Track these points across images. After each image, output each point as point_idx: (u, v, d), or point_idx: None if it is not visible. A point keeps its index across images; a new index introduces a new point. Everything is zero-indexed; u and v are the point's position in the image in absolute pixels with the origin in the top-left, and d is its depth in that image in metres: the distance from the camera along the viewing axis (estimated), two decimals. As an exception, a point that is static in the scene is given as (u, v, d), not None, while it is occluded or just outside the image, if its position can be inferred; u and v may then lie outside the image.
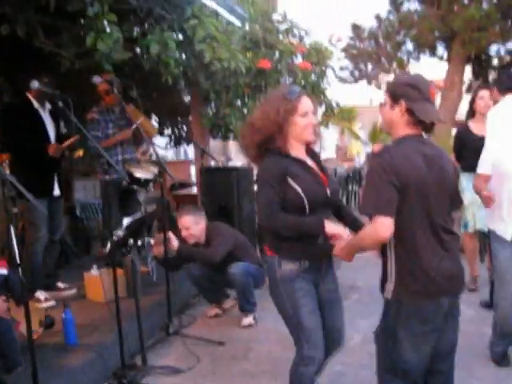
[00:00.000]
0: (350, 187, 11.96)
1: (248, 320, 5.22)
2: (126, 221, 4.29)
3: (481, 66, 12.76)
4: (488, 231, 4.16)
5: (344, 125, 14.11)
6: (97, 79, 5.10)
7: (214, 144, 9.70)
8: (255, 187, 3.08)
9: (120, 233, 3.99)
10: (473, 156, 4.26)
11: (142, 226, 4.36)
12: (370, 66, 14.18)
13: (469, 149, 5.49)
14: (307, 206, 2.86)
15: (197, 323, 5.27)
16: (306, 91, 3.18)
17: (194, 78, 5.71)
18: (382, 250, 2.67)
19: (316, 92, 6.44)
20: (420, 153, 2.56)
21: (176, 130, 9.53)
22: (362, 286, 6.41)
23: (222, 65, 5.24)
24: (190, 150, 13.14)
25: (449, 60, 12.49)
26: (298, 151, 3.00)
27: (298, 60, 6.23)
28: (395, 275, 2.60)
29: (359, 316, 5.30)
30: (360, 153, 15.30)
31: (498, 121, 4.02)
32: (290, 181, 2.84)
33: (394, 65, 13.24)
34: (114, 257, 3.98)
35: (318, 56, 6.31)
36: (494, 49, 12.56)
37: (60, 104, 4.28)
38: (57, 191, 5.33)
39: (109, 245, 4.14)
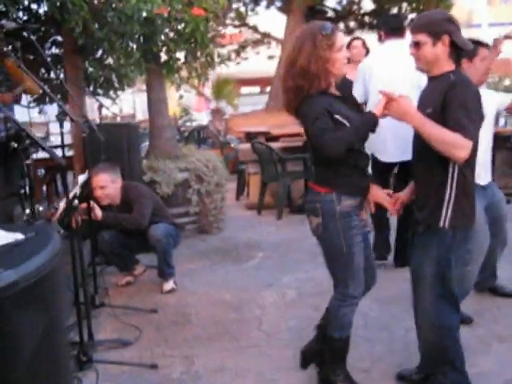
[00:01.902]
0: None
1: (170, 285, 5.16)
2: (81, 178, 4.04)
3: (315, 17, 13.45)
4: None
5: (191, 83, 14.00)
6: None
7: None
8: (303, 127, 3.08)
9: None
10: None
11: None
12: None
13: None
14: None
15: (112, 294, 5.12)
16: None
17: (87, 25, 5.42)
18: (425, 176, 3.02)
19: (206, 41, 6.42)
20: None
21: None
22: (259, 243, 6.63)
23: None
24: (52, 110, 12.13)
25: (289, 12, 12.98)
26: (333, 88, 3.14)
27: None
28: (453, 201, 2.94)
29: (278, 272, 5.56)
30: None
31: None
32: (337, 116, 2.97)
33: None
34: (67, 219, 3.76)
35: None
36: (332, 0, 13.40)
37: None
38: None
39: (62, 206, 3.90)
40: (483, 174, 4.07)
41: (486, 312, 4.37)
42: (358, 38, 7.04)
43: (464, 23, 22.27)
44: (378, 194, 3.21)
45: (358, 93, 5.71)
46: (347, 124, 2.96)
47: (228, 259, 6.13)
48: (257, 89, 25.06)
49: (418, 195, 3.14)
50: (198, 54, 6.77)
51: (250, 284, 5.31)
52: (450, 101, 2.83)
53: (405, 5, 12.78)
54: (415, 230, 3.19)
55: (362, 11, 13.70)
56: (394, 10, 12.86)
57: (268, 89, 16.63)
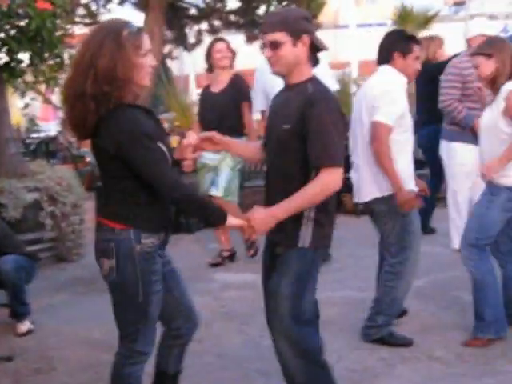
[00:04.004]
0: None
1: (26, 326, 4.68)
2: None
3: (176, 15, 13.14)
4: None
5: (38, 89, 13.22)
6: None
7: None
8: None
9: None
10: None
11: None
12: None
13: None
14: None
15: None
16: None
17: None
18: None
19: (54, 40, 6.02)
20: None
21: None
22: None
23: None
24: None
25: (146, 9, 12.61)
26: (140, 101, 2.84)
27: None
28: (313, 220, 2.90)
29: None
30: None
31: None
32: (160, 144, 2.71)
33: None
34: None
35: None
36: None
37: None
38: None
39: None
40: None
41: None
42: (220, 40, 6.43)
43: (331, 24, 23.00)
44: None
45: (257, 101, 5.57)
46: (167, 153, 2.74)
47: (93, 290, 5.68)
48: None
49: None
50: (46, 55, 6.35)
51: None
52: (309, 123, 2.78)
53: (274, 3, 12.87)
54: (272, 252, 3.08)
55: (227, 9, 13.64)
56: (262, 8, 12.91)
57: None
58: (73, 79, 2.68)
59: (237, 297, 5.28)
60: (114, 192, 2.76)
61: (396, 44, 4.10)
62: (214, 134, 3.09)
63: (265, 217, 2.80)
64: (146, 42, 2.71)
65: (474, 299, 4.14)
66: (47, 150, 11.88)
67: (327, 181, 2.77)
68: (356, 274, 5.64)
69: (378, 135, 3.89)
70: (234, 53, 6.30)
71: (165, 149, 2.73)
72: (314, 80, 2.91)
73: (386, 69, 4.11)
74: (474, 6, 24.22)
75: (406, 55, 4.06)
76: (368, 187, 4.07)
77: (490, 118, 3.98)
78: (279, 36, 2.83)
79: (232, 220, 2.80)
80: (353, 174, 4.21)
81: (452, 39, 6.37)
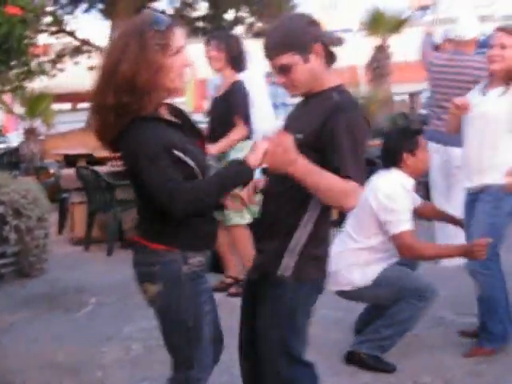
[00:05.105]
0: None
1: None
2: None
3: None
4: None
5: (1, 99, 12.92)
6: None
7: None
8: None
9: None
10: None
11: None
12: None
13: None
14: None
15: None
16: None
17: None
18: None
19: (22, 48, 5.80)
20: None
21: None
22: (90, 286, 6.04)
23: None
24: None
25: (113, 16, 12.45)
26: (164, 110, 2.56)
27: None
28: (303, 246, 2.62)
29: (118, 321, 5.04)
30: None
31: None
32: (178, 153, 2.42)
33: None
34: None
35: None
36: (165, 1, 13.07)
37: None
38: None
39: None
40: None
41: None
42: (210, 41, 5.67)
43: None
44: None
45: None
46: (192, 164, 2.46)
47: (56, 308, 5.48)
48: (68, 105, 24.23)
49: (264, 227, 2.74)
50: (13, 63, 6.12)
51: (85, 338, 4.73)
52: (333, 132, 2.46)
53: (244, 8, 12.83)
54: (250, 276, 2.85)
55: (194, 15, 13.55)
56: (231, 14, 12.84)
57: (84, 105, 15.92)
58: (95, 89, 2.48)
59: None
60: (149, 210, 2.54)
61: (402, 144, 3.99)
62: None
63: (285, 150, 2.39)
64: (178, 38, 2.43)
65: (480, 312, 4.03)
66: (10, 161, 11.57)
67: (350, 190, 2.42)
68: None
69: (406, 244, 3.78)
70: (228, 53, 5.45)
71: (187, 159, 2.45)
72: (340, 88, 2.62)
73: (394, 175, 3.98)
74: (441, 9, 24.58)
75: (415, 151, 3.95)
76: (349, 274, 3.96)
77: (494, 106, 3.89)
78: (287, 58, 2.54)
79: (252, 156, 2.45)
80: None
81: (417, 43, 6.32)
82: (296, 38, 2.53)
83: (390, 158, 4.00)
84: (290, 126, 2.70)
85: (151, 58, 2.36)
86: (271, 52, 2.59)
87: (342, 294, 4.07)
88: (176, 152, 2.43)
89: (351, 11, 16.89)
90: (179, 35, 2.44)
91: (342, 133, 2.46)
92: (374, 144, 9.03)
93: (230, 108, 5.29)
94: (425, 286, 3.94)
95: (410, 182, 3.96)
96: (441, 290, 4.31)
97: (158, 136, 2.42)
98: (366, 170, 2.56)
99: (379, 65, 14.76)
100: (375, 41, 15.05)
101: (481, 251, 3.54)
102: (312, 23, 2.59)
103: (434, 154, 5.47)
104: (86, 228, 7.73)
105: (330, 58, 2.64)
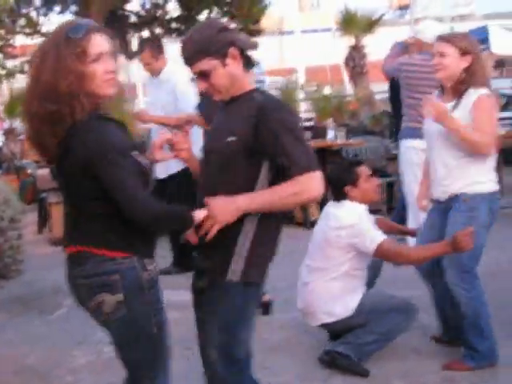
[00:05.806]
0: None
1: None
2: None
3: (117, 23, 12.76)
4: None
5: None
6: None
7: None
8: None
9: None
10: None
11: None
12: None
13: None
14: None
15: None
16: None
17: None
18: None
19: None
20: None
21: None
22: (65, 287, 5.97)
23: None
24: None
25: (87, 17, 12.40)
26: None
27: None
28: (249, 249, 2.64)
29: (90, 325, 4.98)
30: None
31: None
32: (134, 154, 2.49)
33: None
34: None
35: None
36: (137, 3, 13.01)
37: None
38: None
39: None
40: None
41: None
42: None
43: (276, 30, 22.90)
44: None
45: None
46: (146, 167, 2.52)
47: (31, 310, 5.53)
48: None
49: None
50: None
51: (58, 341, 4.76)
52: (273, 135, 2.52)
53: (215, 9, 12.82)
54: (198, 283, 2.81)
55: (168, 16, 13.54)
56: (204, 15, 12.84)
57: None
58: (25, 98, 2.51)
59: (178, 319, 5.03)
60: (97, 216, 2.47)
61: (343, 178, 4.04)
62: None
63: (224, 203, 2.51)
64: (96, 45, 2.41)
65: (464, 328, 3.87)
66: (-7, 160, 11.53)
67: (309, 185, 2.50)
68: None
69: (392, 252, 3.83)
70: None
71: (141, 158, 2.52)
72: (258, 90, 2.71)
73: (346, 205, 4.02)
74: (419, 9, 24.57)
75: (357, 183, 4.00)
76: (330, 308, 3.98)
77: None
78: (204, 64, 2.60)
79: (197, 213, 2.52)
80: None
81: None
82: (211, 44, 2.59)
83: (337, 192, 4.07)
84: (218, 130, 2.75)
85: (68, 67, 2.36)
86: (189, 60, 2.65)
87: (326, 326, 4.10)
88: (133, 153, 2.49)
89: (332, 11, 16.85)
90: (98, 42, 2.43)
91: (282, 133, 2.52)
92: (357, 143, 9.12)
93: None
94: (405, 304, 4.02)
95: (362, 207, 4.02)
96: (417, 289, 4.34)
97: (116, 134, 2.45)
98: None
99: (355, 64, 14.84)
100: (349, 41, 15.17)
101: (467, 241, 3.45)
102: (224, 28, 2.66)
103: (413, 150, 5.63)
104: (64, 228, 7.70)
105: (248, 62, 2.70)
